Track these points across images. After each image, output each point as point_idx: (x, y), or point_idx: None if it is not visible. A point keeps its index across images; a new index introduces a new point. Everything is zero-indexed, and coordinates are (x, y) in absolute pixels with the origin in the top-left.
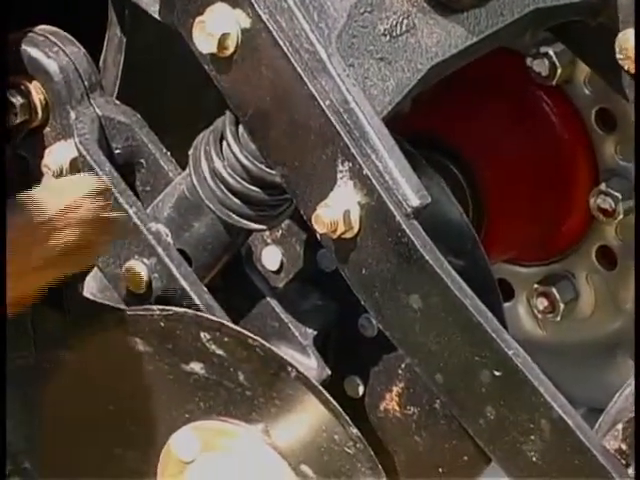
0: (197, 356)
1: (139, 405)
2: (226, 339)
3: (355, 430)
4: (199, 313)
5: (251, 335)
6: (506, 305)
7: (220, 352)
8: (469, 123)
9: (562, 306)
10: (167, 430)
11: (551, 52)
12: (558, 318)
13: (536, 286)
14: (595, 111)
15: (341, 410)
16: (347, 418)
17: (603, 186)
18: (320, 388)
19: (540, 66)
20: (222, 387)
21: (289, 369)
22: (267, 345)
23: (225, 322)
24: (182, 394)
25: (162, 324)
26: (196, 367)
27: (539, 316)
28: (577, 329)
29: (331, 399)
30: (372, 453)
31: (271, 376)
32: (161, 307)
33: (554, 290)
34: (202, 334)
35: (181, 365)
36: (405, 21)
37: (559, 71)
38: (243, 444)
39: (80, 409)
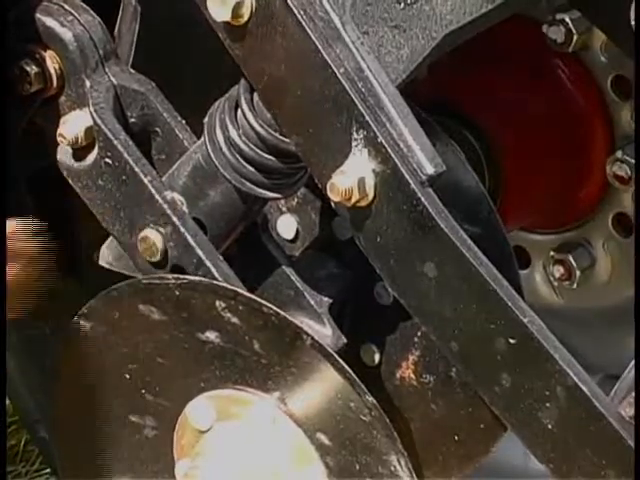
0: (212, 325)
1: (155, 374)
2: (241, 307)
3: (370, 398)
4: (214, 281)
5: (266, 303)
6: (522, 273)
7: (235, 320)
8: (485, 91)
9: (578, 273)
10: (183, 399)
11: (567, 19)
12: (574, 285)
13: (552, 253)
14: (611, 78)
15: (356, 377)
16: (362, 386)
17: (619, 153)
18: (335, 356)
19: (556, 33)
20: (237, 356)
21: (304, 337)
22: (282, 313)
23: (239, 290)
24: (198, 363)
25: (177, 292)
26: (211, 336)
27: (555, 283)
28: (593, 296)
29: (346, 367)
30: (388, 421)
31: (286, 344)
32: (175, 275)
33: (570, 257)
34: (217, 302)
35: (196, 334)
36: None
37: (575, 38)
38: (259, 412)
39: (96, 378)
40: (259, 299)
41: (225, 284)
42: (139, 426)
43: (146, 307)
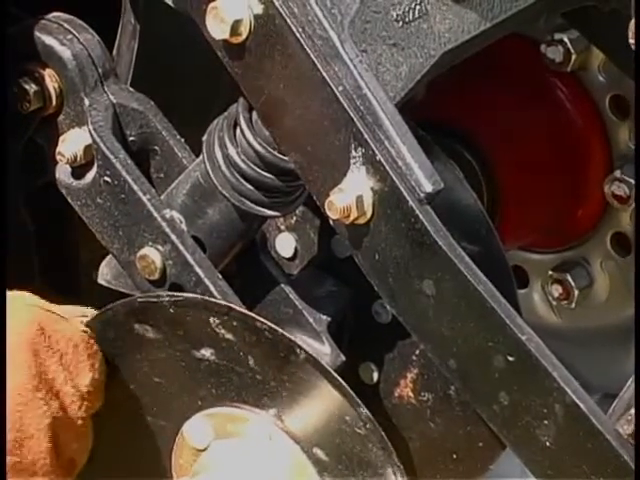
0: (207, 342)
1: (151, 393)
2: (235, 323)
3: (365, 410)
4: (207, 298)
5: (259, 318)
6: (521, 292)
7: (229, 336)
8: (483, 109)
9: (577, 293)
10: (180, 418)
11: (566, 39)
12: (573, 305)
13: (551, 273)
14: (609, 98)
15: (350, 391)
16: (356, 398)
17: (617, 173)
18: (329, 369)
19: (554, 53)
20: (233, 372)
21: (298, 351)
22: (276, 328)
23: (233, 306)
24: (194, 381)
25: (171, 310)
26: (207, 353)
27: (554, 303)
28: (592, 316)
29: (340, 380)
30: (383, 433)
31: (281, 359)
32: (170, 293)
33: (569, 277)
34: (211, 319)
35: (192, 351)
36: (418, 7)
37: (573, 58)
38: (256, 430)
39: None
40: (252, 314)
41: (219, 300)
42: (137, 447)
43: (141, 326)
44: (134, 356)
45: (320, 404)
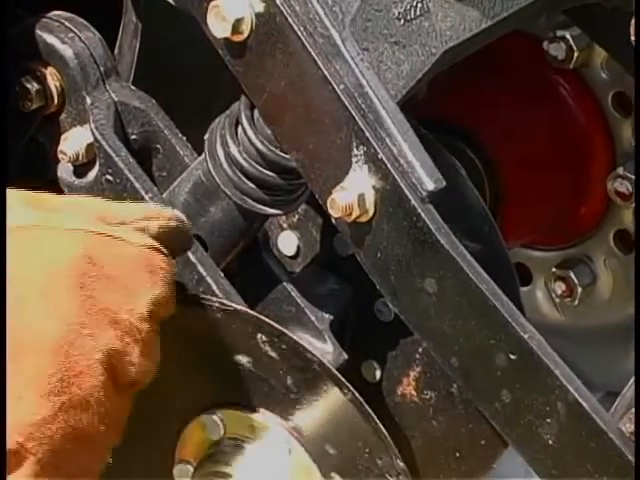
0: (247, 351)
1: (174, 378)
2: (284, 346)
3: (402, 464)
4: (260, 316)
5: (311, 351)
6: (524, 289)
7: (273, 354)
8: (486, 107)
9: (580, 290)
10: (198, 407)
11: (568, 36)
12: (576, 302)
13: (554, 270)
14: (612, 95)
15: (391, 441)
16: (396, 451)
17: (620, 170)
18: (374, 417)
19: (557, 50)
20: (266, 384)
21: (345, 390)
22: (326, 364)
23: (285, 331)
24: (221, 379)
25: (219, 315)
26: (243, 360)
27: (557, 300)
28: (595, 313)
29: (382, 428)
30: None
31: (324, 392)
32: (220, 300)
33: (572, 274)
34: (259, 335)
35: (228, 354)
36: (419, 5)
37: (576, 55)
38: (274, 437)
39: None
40: (305, 344)
41: (272, 322)
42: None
43: (182, 320)
44: (167, 346)
45: (352, 438)
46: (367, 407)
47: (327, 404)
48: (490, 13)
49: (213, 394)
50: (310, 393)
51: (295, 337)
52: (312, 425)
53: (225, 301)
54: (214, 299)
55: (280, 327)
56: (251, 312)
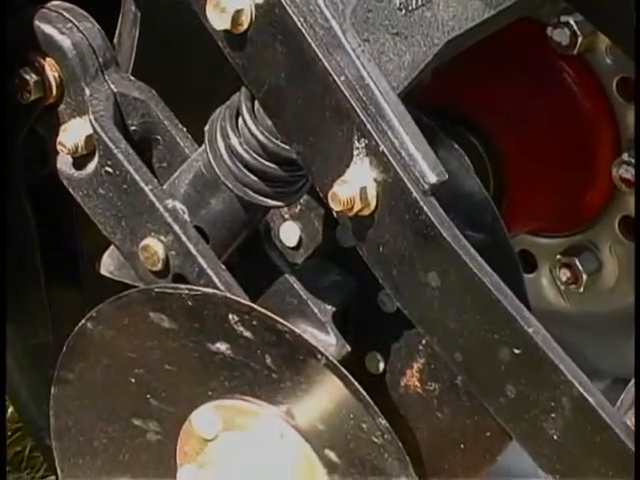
0: (224, 337)
1: (161, 380)
2: (255, 322)
3: (384, 421)
4: (228, 295)
5: (281, 320)
6: (529, 277)
7: (248, 334)
8: (489, 94)
9: (585, 277)
10: (189, 406)
11: (572, 21)
12: (581, 289)
13: (559, 257)
14: (617, 80)
15: (370, 400)
16: (376, 409)
17: (625, 156)
18: (350, 377)
19: (561, 36)
20: (248, 368)
21: (319, 356)
22: (297, 331)
23: (255, 305)
24: (206, 372)
25: (190, 303)
26: (222, 347)
27: (562, 287)
28: (600, 300)
29: (360, 388)
30: (400, 444)
31: (300, 362)
32: (189, 287)
33: (577, 261)
34: (230, 316)
35: (207, 344)
36: None
37: (580, 40)
38: (266, 425)
39: (100, 379)
40: (274, 315)
41: (240, 298)
42: (142, 430)
43: (156, 315)
44: (146, 343)
45: (336, 408)
46: (340, 367)
47: (306, 376)
48: (493, 3)
49: (200, 391)
50: (289, 368)
51: (262, 309)
52: (299, 404)
53: (191, 287)
54: (182, 286)
55: (246, 302)
56: (219, 293)
